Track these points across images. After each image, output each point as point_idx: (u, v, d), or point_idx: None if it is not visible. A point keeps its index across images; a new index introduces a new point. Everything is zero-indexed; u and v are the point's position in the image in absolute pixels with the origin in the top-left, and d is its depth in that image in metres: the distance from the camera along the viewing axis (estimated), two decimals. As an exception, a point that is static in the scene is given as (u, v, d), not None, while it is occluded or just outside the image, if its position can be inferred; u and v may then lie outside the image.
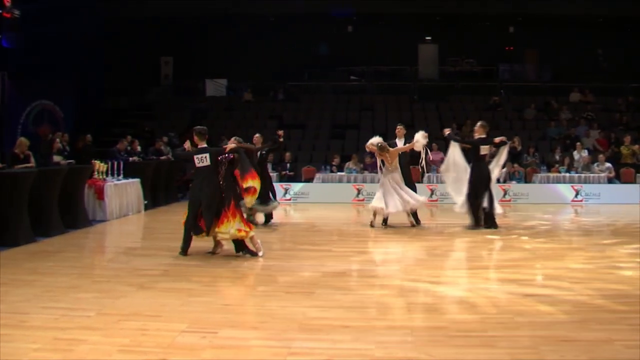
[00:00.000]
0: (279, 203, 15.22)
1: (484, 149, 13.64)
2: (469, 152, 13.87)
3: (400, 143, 14.29)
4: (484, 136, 13.81)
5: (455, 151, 14.07)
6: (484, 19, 29.64)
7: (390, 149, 13.84)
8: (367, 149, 14.34)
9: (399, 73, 31.37)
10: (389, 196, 13.67)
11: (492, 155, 14.06)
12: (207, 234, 10.16)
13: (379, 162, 14.08)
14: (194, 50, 30.55)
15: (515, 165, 21.37)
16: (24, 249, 10.86)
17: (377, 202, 13.87)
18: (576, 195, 19.94)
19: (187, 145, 10.78)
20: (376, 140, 13.92)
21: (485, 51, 30.35)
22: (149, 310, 7.01)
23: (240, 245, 10.20)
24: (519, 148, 22.18)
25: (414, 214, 14.15)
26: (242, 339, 6.08)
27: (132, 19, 28.44)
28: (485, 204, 13.49)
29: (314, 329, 6.43)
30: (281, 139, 14.85)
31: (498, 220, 13.76)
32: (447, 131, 14.63)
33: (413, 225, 14.02)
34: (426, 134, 14.04)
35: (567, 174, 20.84)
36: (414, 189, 14.29)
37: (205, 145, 10.37)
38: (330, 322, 6.65)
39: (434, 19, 30.02)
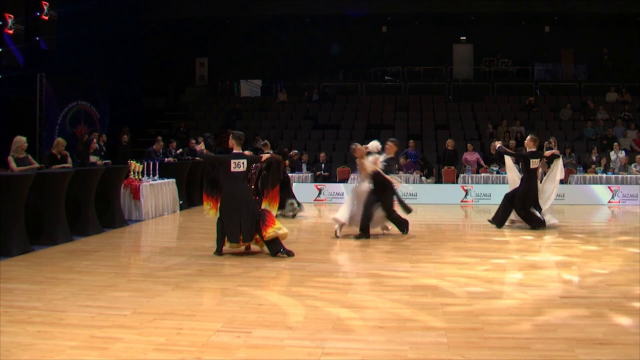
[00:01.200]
0: (300, 207, 15.58)
1: (535, 163, 13.58)
2: (521, 165, 13.85)
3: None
4: (534, 149, 13.72)
5: (510, 166, 14.18)
6: (519, 18, 29.40)
7: (363, 160, 12.51)
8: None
9: (433, 73, 31.25)
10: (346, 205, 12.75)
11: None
12: (249, 240, 10.26)
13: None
14: (228, 51, 30.74)
15: (551, 165, 21.09)
16: (62, 248, 11.00)
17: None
18: (613, 197, 19.64)
19: (202, 146, 10.88)
20: (373, 144, 12.78)
21: (521, 51, 30.13)
22: (184, 309, 7.05)
23: (277, 247, 10.21)
24: (555, 148, 21.93)
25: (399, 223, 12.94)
26: (276, 339, 6.09)
27: (168, 20, 28.70)
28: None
29: (348, 330, 6.43)
30: (295, 157, 15.29)
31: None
32: (497, 144, 14.45)
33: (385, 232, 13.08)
34: (375, 159, 12.47)
35: (604, 175, 20.55)
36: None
37: (241, 151, 10.45)
38: (364, 322, 6.64)
39: (468, 19, 29.85)
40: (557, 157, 14.11)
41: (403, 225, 12.84)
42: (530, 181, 13.60)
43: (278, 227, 10.22)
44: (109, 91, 22.72)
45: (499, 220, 13.85)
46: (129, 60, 25.81)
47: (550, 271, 9.36)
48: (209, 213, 10.64)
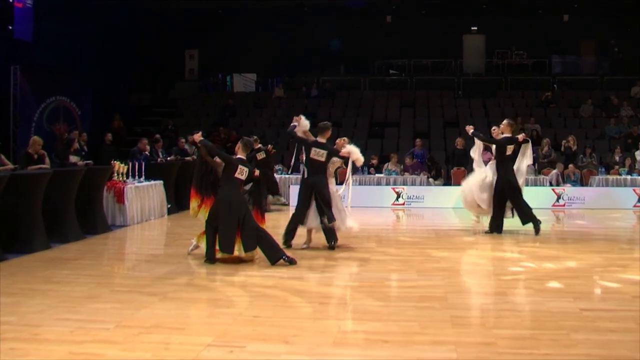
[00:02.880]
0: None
1: (510, 149, 13.62)
2: (495, 152, 13.89)
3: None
4: (509, 135, 13.75)
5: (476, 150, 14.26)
6: (535, 7, 29.40)
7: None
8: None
9: (442, 66, 31.30)
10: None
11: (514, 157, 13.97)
12: (252, 249, 10.29)
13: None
14: (221, 42, 30.70)
15: (570, 166, 21.13)
16: (38, 256, 10.95)
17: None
18: (638, 200, 19.59)
19: (200, 136, 10.84)
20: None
21: (537, 42, 30.10)
22: (172, 322, 7.02)
23: (277, 254, 10.19)
24: (574, 148, 21.96)
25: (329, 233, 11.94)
26: (272, 354, 6.06)
27: (155, 10, 28.69)
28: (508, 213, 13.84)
29: (350, 344, 6.41)
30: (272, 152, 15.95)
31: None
32: (470, 129, 14.43)
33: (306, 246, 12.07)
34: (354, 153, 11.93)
35: (629, 177, 20.51)
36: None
37: (245, 158, 10.62)
38: (368, 336, 6.61)
39: (480, 7, 29.88)
40: (527, 141, 14.11)
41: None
42: (508, 168, 13.63)
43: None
44: (91, 86, 22.70)
45: (496, 225, 13.83)
46: (113, 52, 25.74)
47: (570, 281, 9.31)
48: (196, 213, 10.63)
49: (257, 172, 10.83)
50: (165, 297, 8.12)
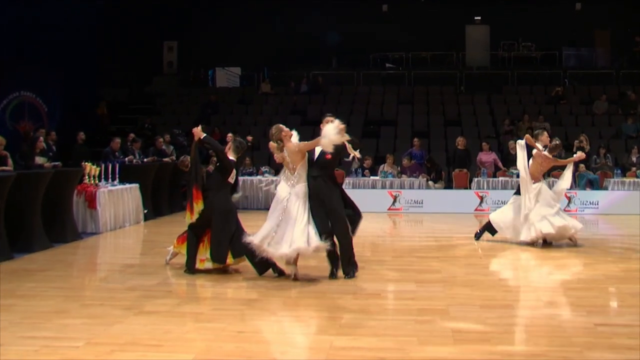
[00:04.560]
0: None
1: None
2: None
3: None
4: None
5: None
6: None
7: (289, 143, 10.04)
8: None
9: (443, 60, 31.33)
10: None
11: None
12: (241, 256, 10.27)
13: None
14: (202, 34, 30.68)
15: (582, 166, 21.02)
16: (1, 268, 10.88)
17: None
18: (658, 205, 19.58)
19: (199, 130, 10.70)
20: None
21: (547, 33, 30.17)
22: (148, 338, 7.00)
23: (265, 264, 10.11)
24: (588, 148, 21.95)
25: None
26: (257, 373, 6.05)
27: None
28: None
29: (343, 362, 6.39)
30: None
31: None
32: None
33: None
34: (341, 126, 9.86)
35: (647, 179, 20.56)
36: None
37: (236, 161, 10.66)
38: (362, 352, 6.61)
39: (484, -5, 29.98)
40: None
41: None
42: None
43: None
44: (60, 81, 22.61)
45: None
46: (84, 44, 25.63)
47: (584, 293, 9.32)
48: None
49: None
50: (141, 311, 8.09)
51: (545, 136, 13.57)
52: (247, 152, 18.30)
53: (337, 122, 9.81)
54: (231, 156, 10.52)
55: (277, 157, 10.11)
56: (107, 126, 16.74)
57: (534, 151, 13.27)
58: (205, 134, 10.46)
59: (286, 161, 9.94)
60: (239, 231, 10.26)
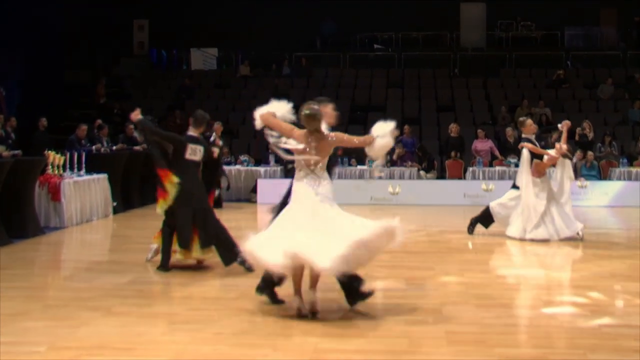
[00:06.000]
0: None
1: None
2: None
3: None
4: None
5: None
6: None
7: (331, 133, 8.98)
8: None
9: (435, 40, 31.33)
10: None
11: None
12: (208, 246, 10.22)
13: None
14: (176, 11, 30.57)
15: (589, 154, 20.98)
16: (-43, 265, 10.88)
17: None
18: (667, 197, 19.64)
19: (138, 113, 10.66)
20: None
21: (547, 11, 30.21)
22: (118, 341, 6.99)
23: (233, 255, 10.05)
24: (591, 135, 22.01)
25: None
26: (236, 378, 6.06)
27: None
28: None
29: (329, 366, 6.41)
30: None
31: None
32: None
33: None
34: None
35: (655, 169, 20.64)
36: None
37: (198, 136, 10.49)
38: (349, 355, 6.64)
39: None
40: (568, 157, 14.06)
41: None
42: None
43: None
44: (19, 63, 22.48)
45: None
46: (45, 23, 25.47)
47: (587, 291, 9.35)
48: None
49: (215, 152, 10.77)
50: (110, 312, 8.08)
51: (530, 123, 13.55)
52: (222, 136, 18.33)
53: (390, 122, 9.15)
54: (192, 131, 10.43)
55: (296, 148, 8.40)
56: (47, 143, 16.50)
57: (545, 157, 13.24)
58: (141, 117, 10.47)
59: (309, 153, 8.34)
60: (209, 218, 10.21)
